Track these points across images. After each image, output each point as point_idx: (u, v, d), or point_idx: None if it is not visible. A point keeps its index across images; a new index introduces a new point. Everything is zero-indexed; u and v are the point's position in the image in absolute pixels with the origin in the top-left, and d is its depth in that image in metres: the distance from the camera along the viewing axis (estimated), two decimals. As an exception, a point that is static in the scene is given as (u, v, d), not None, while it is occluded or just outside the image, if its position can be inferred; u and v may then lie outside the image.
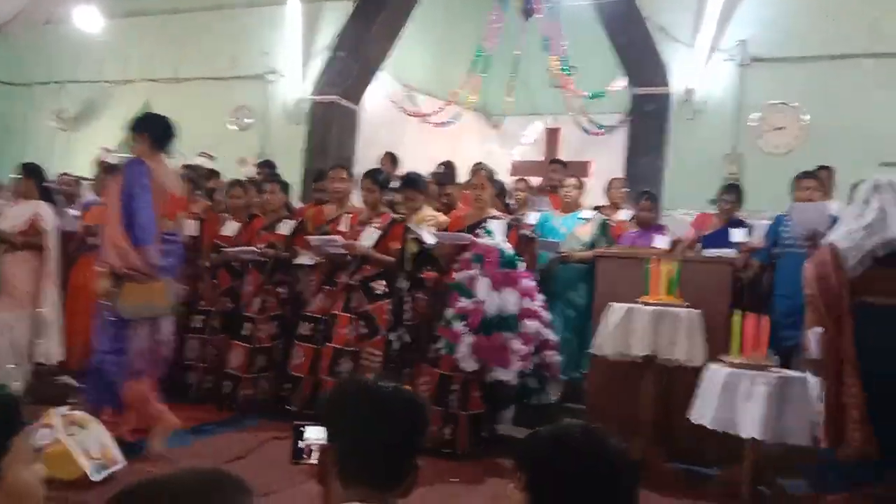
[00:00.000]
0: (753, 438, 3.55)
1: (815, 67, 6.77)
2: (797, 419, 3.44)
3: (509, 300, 4.35)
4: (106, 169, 6.37)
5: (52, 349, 5.18)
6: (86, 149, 9.20)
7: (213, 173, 7.14)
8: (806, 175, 5.10)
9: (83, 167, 8.64)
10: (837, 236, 3.49)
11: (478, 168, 4.99)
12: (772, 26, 6.94)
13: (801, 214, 4.70)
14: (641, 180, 6.85)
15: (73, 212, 6.16)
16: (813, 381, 3.47)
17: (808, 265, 3.54)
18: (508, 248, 4.50)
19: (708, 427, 3.63)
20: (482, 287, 4.34)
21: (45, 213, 5.25)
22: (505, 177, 7.51)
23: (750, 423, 3.44)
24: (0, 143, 10.25)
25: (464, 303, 4.36)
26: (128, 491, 0.88)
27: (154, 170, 3.99)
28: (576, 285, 5.51)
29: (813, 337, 3.38)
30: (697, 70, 7.10)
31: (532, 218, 5.66)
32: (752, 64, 7.01)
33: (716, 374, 3.69)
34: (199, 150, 7.60)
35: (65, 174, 7.29)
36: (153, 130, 4.07)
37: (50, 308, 5.20)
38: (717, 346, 4.07)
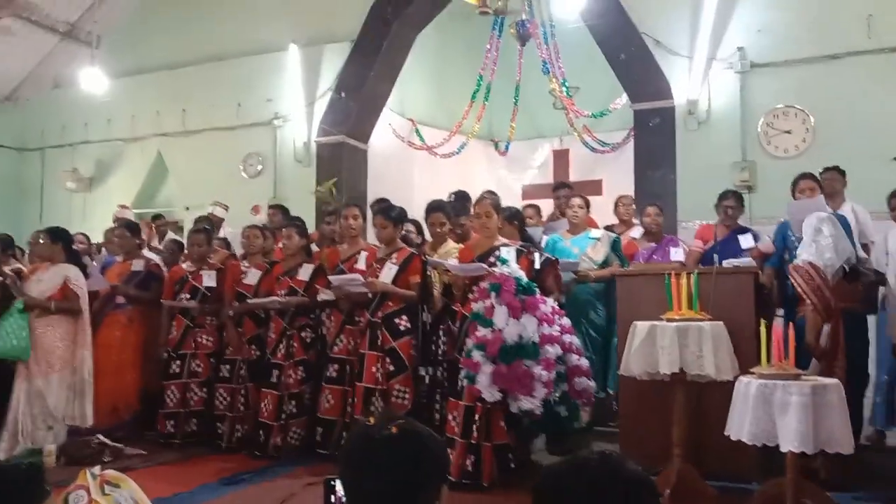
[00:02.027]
0: (792, 451, 3.50)
1: (815, 68, 6.79)
2: (837, 427, 3.39)
3: (528, 327, 4.29)
4: (127, 226, 6.44)
5: (86, 412, 5.20)
6: (102, 207, 9.34)
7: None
8: (803, 177, 5.08)
9: (100, 226, 8.77)
10: (810, 256, 4.23)
11: (482, 197, 4.99)
12: (768, 31, 6.97)
13: (798, 212, 4.68)
14: (652, 194, 6.86)
15: (96, 272, 6.22)
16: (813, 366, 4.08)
17: (798, 280, 4.16)
18: (524, 276, 4.49)
19: (746, 442, 3.58)
20: (500, 315, 4.31)
21: (75, 276, 5.26)
22: (517, 202, 7.53)
23: (788, 435, 3.39)
24: (17, 207, 10.42)
25: (482, 332, 4.34)
26: None
27: None
28: (594, 305, 5.50)
29: (825, 332, 4.12)
30: (698, 81, 7.13)
31: (542, 243, 5.66)
32: (752, 70, 7.03)
33: (748, 387, 3.64)
34: (213, 200, 7.69)
35: (78, 234, 7.37)
36: None
37: (85, 372, 5.23)
38: (747, 357, 4.04)
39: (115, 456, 5.14)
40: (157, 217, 8.14)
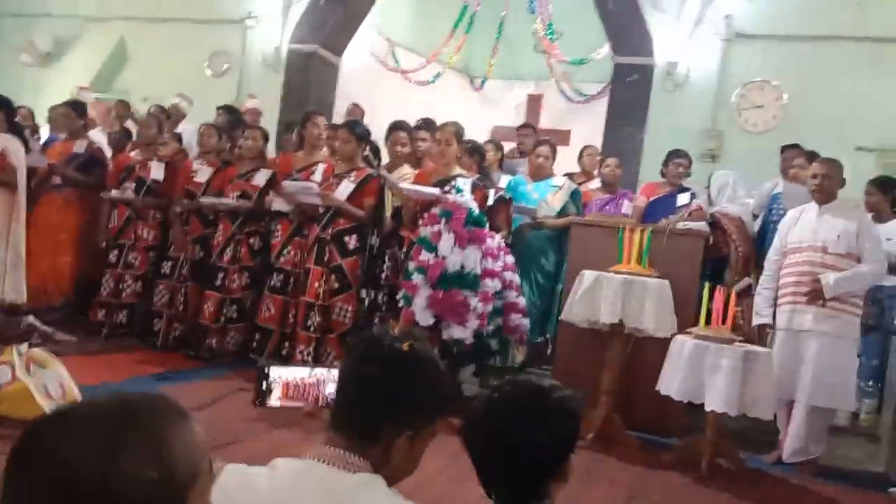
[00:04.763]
0: (714, 411, 3.62)
1: (798, 47, 6.78)
2: (761, 393, 3.51)
3: (471, 258, 4.34)
4: (73, 105, 6.17)
5: (21, 287, 5.07)
6: (56, 85, 8.94)
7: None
8: (792, 148, 5.19)
9: (52, 104, 8.40)
10: (735, 212, 4.91)
11: (445, 124, 4.93)
12: (759, 2, 6.91)
13: (796, 196, 4.81)
14: (620, 151, 6.85)
15: (37, 148, 5.99)
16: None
17: (731, 227, 4.79)
18: (476, 208, 4.51)
19: (674, 398, 3.68)
20: (446, 243, 4.33)
21: (14, 149, 5.04)
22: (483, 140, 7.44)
23: (714, 396, 3.50)
24: (-35, 75, 9.91)
25: (426, 256, 4.37)
26: (44, 419, 0.82)
27: None
28: (545, 251, 5.53)
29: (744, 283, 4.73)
30: (681, 42, 7.07)
31: (503, 181, 5.63)
32: (736, 39, 6.99)
33: (682, 346, 3.73)
34: (178, 92, 7.37)
35: (21, 107, 7.01)
36: None
37: (20, 246, 5.08)
38: (687, 318, 4.12)
39: (45, 339, 5.03)
40: (122, 102, 7.81)
